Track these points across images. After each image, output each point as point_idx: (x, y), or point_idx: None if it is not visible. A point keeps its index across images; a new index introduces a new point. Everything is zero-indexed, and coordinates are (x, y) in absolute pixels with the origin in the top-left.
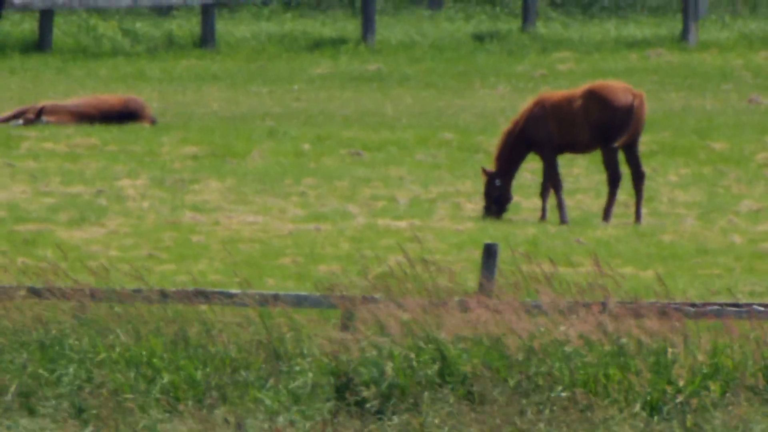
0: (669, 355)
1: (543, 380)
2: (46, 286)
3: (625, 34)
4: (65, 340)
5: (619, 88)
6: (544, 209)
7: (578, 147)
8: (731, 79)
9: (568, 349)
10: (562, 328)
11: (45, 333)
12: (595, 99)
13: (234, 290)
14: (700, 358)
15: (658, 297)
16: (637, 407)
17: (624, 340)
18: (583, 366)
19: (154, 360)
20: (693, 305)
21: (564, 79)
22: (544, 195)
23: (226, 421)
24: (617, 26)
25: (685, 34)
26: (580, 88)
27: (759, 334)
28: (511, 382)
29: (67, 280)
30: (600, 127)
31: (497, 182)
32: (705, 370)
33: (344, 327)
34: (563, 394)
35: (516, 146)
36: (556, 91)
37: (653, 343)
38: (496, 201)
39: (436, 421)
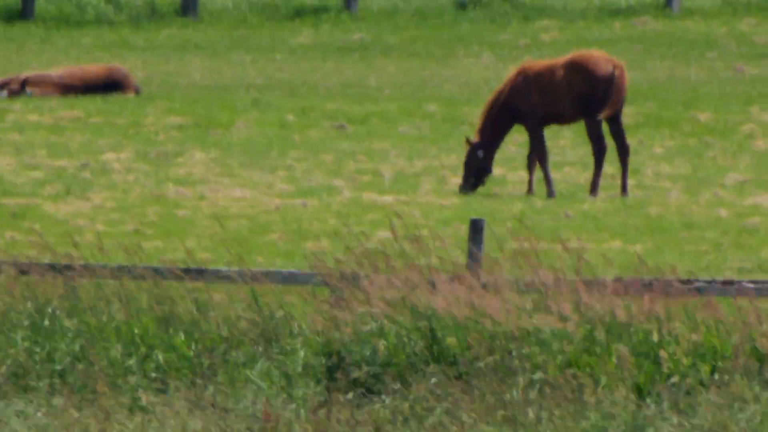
0: (655, 336)
1: (528, 361)
2: (35, 262)
3: (608, 1)
4: (57, 318)
5: (601, 58)
6: (531, 182)
7: (561, 118)
8: (716, 47)
9: (549, 329)
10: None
11: (35, 310)
12: (577, 69)
13: (224, 268)
14: (690, 337)
15: (647, 272)
16: (624, 390)
17: (608, 320)
18: (567, 346)
19: (147, 338)
20: (681, 281)
21: (548, 49)
22: (530, 168)
23: (212, 405)
24: None
25: (668, 1)
26: (562, 58)
27: (749, 311)
28: (498, 361)
29: (56, 256)
30: (582, 98)
31: (480, 153)
32: (693, 350)
33: (334, 304)
34: (548, 375)
35: (500, 117)
36: (538, 61)
37: (640, 322)
38: (476, 173)
39: (427, 400)
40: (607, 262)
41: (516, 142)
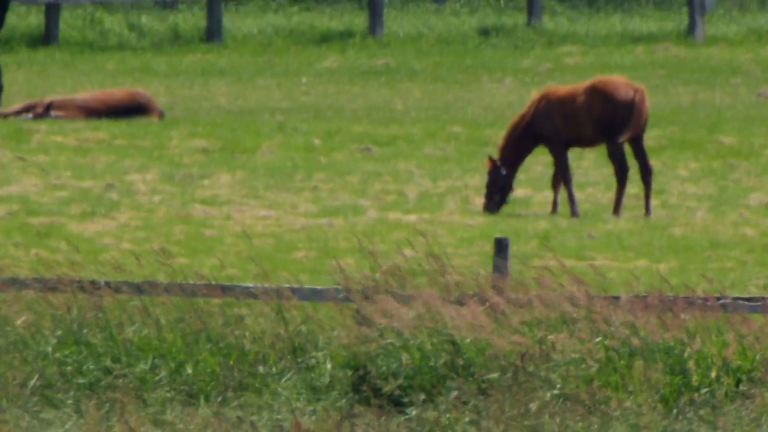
0: (683, 352)
1: (555, 375)
2: (63, 278)
3: (630, 28)
4: (85, 334)
5: (621, 83)
6: (555, 202)
7: (583, 141)
8: (739, 74)
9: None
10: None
11: (64, 325)
12: (597, 94)
13: (251, 284)
14: (716, 351)
15: (672, 290)
16: (651, 401)
17: (629, 333)
18: (591, 364)
19: (174, 352)
20: (706, 299)
21: (570, 74)
22: (555, 188)
23: (239, 419)
24: (623, 20)
25: (691, 28)
26: (583, 84)
27: None
28: (520, 376)
29: (82, 272)
30: (603, 122)
31: (503, 171)
32: (720, 364)
33: (360, 320)
34: (565, 390)
35: (523, 139)
36: (561, 86)
37: (667, 338)
38: (499, 191)
39: (452, 414)
40: (633, 279)
41: (542, 162)
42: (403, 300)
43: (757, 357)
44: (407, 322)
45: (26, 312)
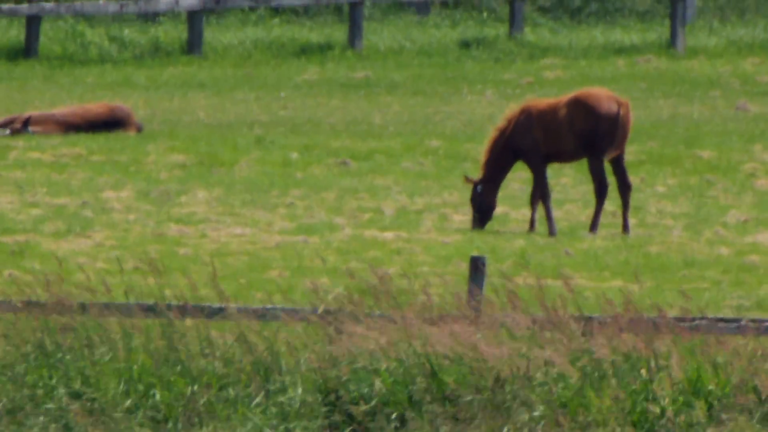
0: (648, 373)
1: (523, 400)
2: (34, 300)
3: (612, 40)
4: (55, 356)
5: (604, 96)
6: (533, 220)
7: (564, 156)
8: (719, 86)
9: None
10: (546, 352)
11: (33, 347)
12: (580, 108)
13: (222, 305)
14: (686, 374)
15: (646, 311)
16: (619, 429)
17: (604, 359)
18: (565, 386)
19: (145, 376)
20: (681, 319)
21: (551, 86)
22: (533, 205)
23: None
24: (605, 32)
25: (672, 40)
26: (565, 97)
27: (750, 349)
28: (495, 398)
29: (59, 292)
30: (585, 136)
31: (479, 188)
32: (688, 388)
33: (332, 342)
34: (541, 413)
35: (503, 154)
36: (541, 99)
37: (634, 360)
38: (479, 209)
39: None
40: (606, 300)
41: (519, 179)
42: (377, 321)
43: (732, 381)
44: (380, 344)
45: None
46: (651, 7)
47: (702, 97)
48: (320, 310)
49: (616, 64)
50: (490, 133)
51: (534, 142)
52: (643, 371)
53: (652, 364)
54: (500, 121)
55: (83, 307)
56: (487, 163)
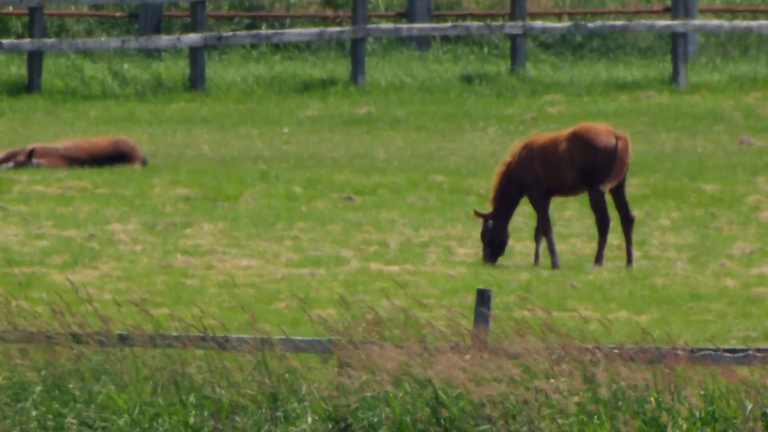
0: (656, 403)
1: (543, 424)
2: (43, 331)
3: (615, 76)
4: (66, 386)
5: (602, 130)
6: (537, 253)
7: (565, 190)
8: (722, 121)
9: (554, 400)
10: (552, 381)
11: (43, 378)
12: (579, 142)
13: (231, 335)
14: (694, 403)
15: (654, 342)
16: None
17: (613, 388)
18: (575, 418)
19: (148, 406)
20: (691, 350)
21: (554, 122)
22: (537, 239)
23: None
24: (607, 68)
25: (675, 76)
26: (565, 131)
27: (757, 378)
28: (503, 428)
29: (67, 323)
30: (584, 170)
31: (490, 224)
32: (700, 417)
33: (341, 372)
34: None
35: (510, 188)
36: (543, 134)
37: (642, 391)
38: (490, 243)
39: None
40: (608, 331)
41: (522, 213)
42: (385, 352)
43: (749, 409)
44: (389, 375)
45: (6, 365)
46: (653, 43)
47: (705, 132)
48: (324, 345)
49: (618, 99)
50: (498, 168)
51: (535, 176)
52: (652, 400)
53: (666, 395)
54: (507, 156)
55: (91, 337)
56: (496, 198)
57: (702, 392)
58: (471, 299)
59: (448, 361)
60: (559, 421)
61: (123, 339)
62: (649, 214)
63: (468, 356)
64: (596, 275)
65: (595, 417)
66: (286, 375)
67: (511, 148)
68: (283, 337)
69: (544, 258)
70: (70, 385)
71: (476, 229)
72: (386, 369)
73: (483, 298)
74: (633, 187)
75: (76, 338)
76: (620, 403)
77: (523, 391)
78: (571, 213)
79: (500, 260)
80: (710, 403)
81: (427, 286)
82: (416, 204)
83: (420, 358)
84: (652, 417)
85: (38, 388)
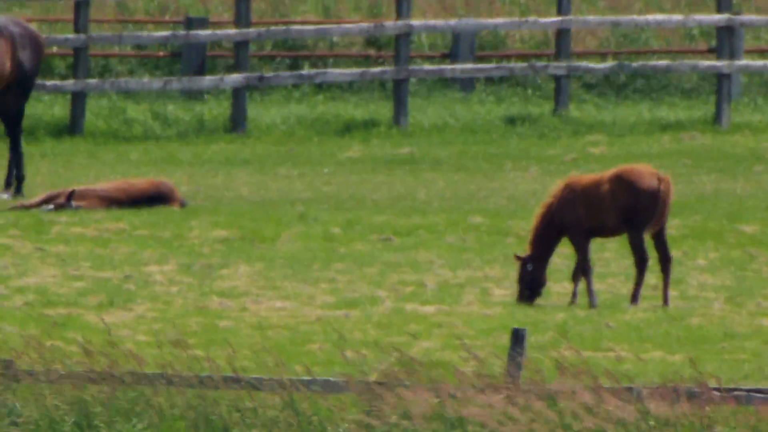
0: None
1: None
2: (76, 371)
3: (658, 116)
4: (92, 426)
5: (645, 172)
6: (574, 293)
7: (606, 231)
8: (763, 161)
9: None
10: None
11: (76, 418)
12: (622, 183)
13: (262, 376)
14: None
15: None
16: None
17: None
18: None
19: None
20: (719, 390)
21: (597, 163)
22: (575, 279)
23: None
24: (650, 109)
25: (718, 116)
26: (607, 172)
27: None
28: None
29: (98, 364)
30: (627, 212)
31: (529, 267)
32: None
33: (370, 412)
34: None
35: (549, 230)
36: (585, 175)
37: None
38: (529, 286)
39: None
40: (646, 372)
41: (559, 254)
42: (416, 393)
43: None
44: (420, 414)
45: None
46: (696, 84)
47: (745, 173)
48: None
49: (661, 140)
50: (538, 210)
51: (577, 217)
52: None
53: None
54: (547, 197)
55: (120, 378)
56: (535, 239)
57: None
58: (506, 339)
59: (481, 401)
60: None
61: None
62: (686, 254)
63: (501, 396)
64: (632, 315)
65: None
66: (313, 417)
67: (551, 189)
68: (310, 377)
69: (581, 297)
70: (98, 423)
71: (514, 270)
72: (417, 410)
73: (517, 338)
74: (672, 228)
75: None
76: None
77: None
78: (609, 254)
79: (538, 300)
80: None
81: (463, 326)
82: (455, 245)
83: (451, 400)
84: None
85: (67, 426)
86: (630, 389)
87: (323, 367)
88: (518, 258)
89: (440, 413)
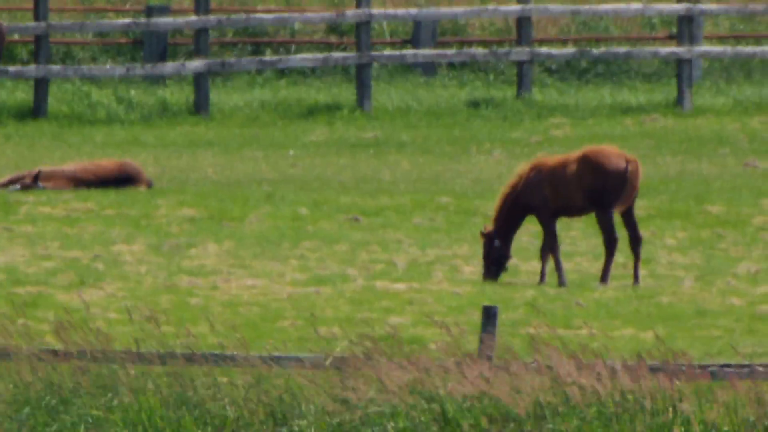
0: (668, 415)
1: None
2: (47, 348)
3: (620, 100)
4: (66, 402)
5: (613, 153)
6: (543, 272)
7: (573, 211)
8: (727, 144)
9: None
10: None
11: (45, 395)
12: (589, 164)
13: (234, 352)
14: (703, 416)
15: (658, 357)
16: None
17: (630, 397)
18: (591, 423)
19: (156, 420)
20: (693, 366)
21: (559, 145)
22: (543, 258)
23: None
24: (612, 92)
25: (679, 99)
26: (574, 153)
27: (760, 392)
28: None
29: (71, 341)
30: (594, 192)
31: (496, 243)
32: (707, 430)
33: (345, 388)
34: None
35: (513, 209)
36: (551, 156)
37: (657, 402)
38: (495, 261)
39: None
40: (617, 349)
41: (529, 232)
42: (390, 367)
43: (750, 419)
44: (395, 389)
45: (9, 381)
46: (657, 68)
47: (710, 155)
48: (328, 361)
49: (623, 123)
50: (503, 189)
51: (544, 197)
52: (665, 413)
53: (670, 404)
54: (512, 178)
55: (92, 354)
56: (499, 217)
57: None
58: (477, 316)
59: (454, 376)
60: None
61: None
62: (654, 234)
63: (473, 372)
64: (602, 293)
65: (603, 428)
66: (284, 394)
67: (517, 169)
68: (285, 354)
69: (551, 276)
70: (71, 399)
71: (481, 248)
72: (392, 384)
73: (489, 314)
74: (639, 208)
75: (82, 355)
76: (627, 415)
77: (534, 405)
78: (576, 233)
79: (506, 278)
80: (713, 414)
81: (434, 303)
82: (423, 225)
83: (427, 374)
84: (662, 428)
85: (39, 402)
86: (604, 363)
87: (296, 343)
88: (484, 234)
89: (416, 388)
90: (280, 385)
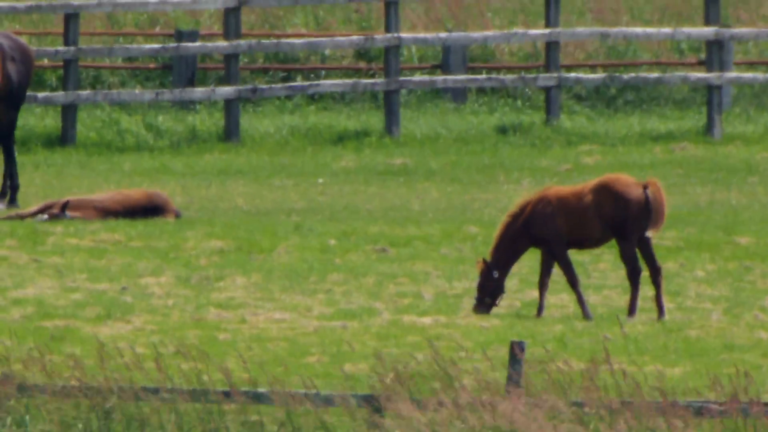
0: None
1: None
2: (70, 385)
3: (649, 127)
4: None
5: (630, 181)
6: (541, 305)
7: (589, 243)
8: (757, 173)
9: None
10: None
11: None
12: (609, 193)
13: (262, 389)
14: None
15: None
16: None
17: None
18: None
19: None
20: (720, 403)
21: (590, 172)
22: (541, 289)
23: None
24: (641, 120)
25: (709, 127)
26: (589, 183)
27: None
28: None
29: (93, 379)
30: (615, 222)
31: (495, 274)
32: None
33: (371, 426)
34: None
35: (518, 240)
36: (561, 186)
37: None
38: (491, 294)
39: None
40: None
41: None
42: (418, 406)
43: None
44: (423, 426)
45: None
46: (687, 95)
47: (739, 184)
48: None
49: (653, 150)
50: (504, 219)
51: (556, 229)
52: None
53: None
54: (513, 207)
55: (123, 391)
56: (499, 247)
57: None
58: (504, 351)
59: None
60: None
61: (155, 392)
62: (683, 266)
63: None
64: (630, 327)
65: None
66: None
67: (519, 199)
68: (315, 391)
69: (577, 309)
70: None
71: (511, 281)
72: (418, 424)
73: (515, 350)
74: (668, 239)
75: (110, 392)
76: None
77: None
78: (605, 265)
79: (532, 311)
80: None
81: (461, 338)
82: (450, 255)
83: (453, 413)
84: None
85: None
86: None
87: (323, 378)
88: (483, 262)
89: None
90: (310, 423)
